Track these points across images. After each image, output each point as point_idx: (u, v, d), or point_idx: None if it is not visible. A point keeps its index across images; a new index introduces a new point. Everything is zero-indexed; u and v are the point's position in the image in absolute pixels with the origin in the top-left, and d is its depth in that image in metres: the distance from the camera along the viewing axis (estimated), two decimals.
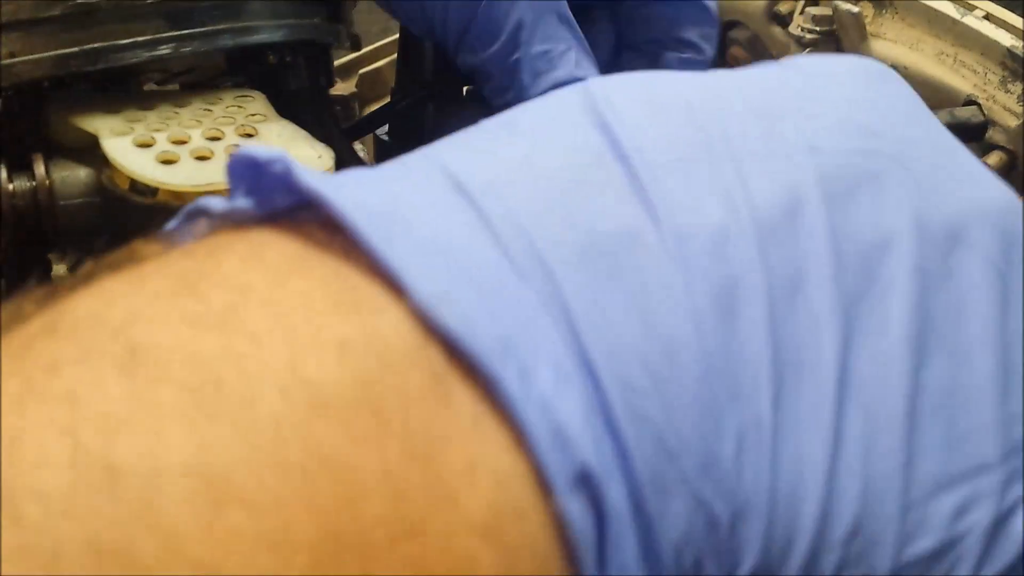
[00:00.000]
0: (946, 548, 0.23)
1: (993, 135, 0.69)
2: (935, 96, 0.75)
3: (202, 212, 0.22)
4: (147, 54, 0.47)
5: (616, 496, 0.19)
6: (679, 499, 0.20)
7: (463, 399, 0.19)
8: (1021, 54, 0.69)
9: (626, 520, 0.20)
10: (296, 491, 0.17)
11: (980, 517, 0.23)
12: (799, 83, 0.25)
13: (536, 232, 0.21)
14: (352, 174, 0.22)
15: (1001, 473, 0.23)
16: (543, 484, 0.19)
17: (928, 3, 0.75)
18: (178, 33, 0.47)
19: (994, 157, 0.69)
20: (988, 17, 0.72)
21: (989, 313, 0.23)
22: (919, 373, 0.23)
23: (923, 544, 0.22)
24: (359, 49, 0.69)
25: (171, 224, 0.23)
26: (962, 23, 0.73)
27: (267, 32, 0.50)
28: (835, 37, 0.78)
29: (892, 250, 0.23)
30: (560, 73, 0.50)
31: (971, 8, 0.73)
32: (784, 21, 0.83)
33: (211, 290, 0.19)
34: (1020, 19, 0.71)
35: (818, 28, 0.78)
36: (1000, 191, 0.25)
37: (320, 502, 0.17)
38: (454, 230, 0.21)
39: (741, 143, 0.23)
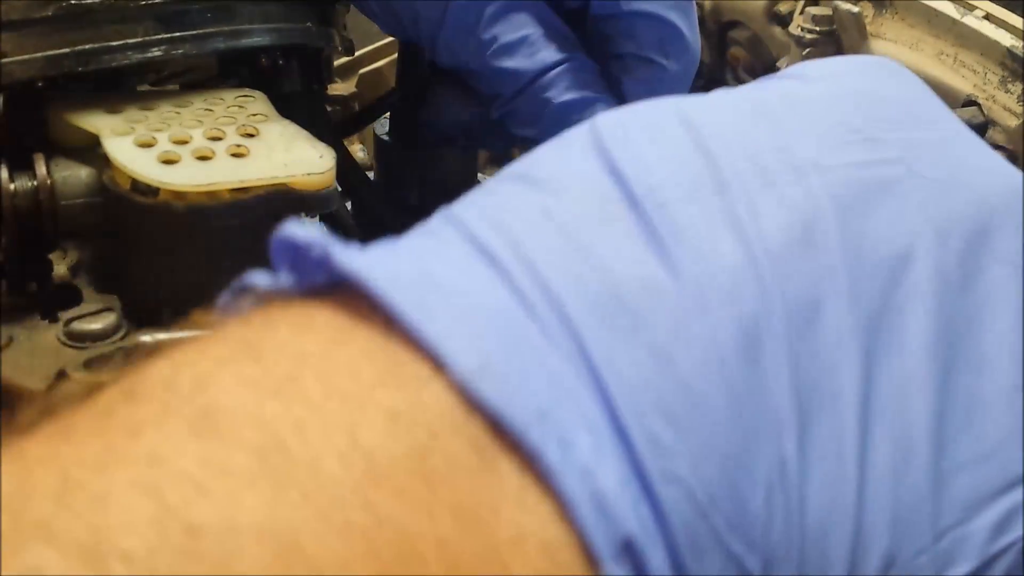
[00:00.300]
0: (985, 569, 0.22)
1: (993, 135, 0.69)
2: None
3: (249, 288, 0.23)
4: (139, 56, 0.47)
5: (658, 561, 0.20)
6: (713, 556, 0.20)
7: (508, 469, 0.20)
8: (1021, 54, 0.69)
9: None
10: (358, 553, 0.18)
11: (1019, 533, 0.22)
12: (803, 95, 0.25)
13: (559, 290, 0.21)
14: (384, 247, 0.23)
15: None
16: (589, 554, 0.19)
17: (928, 3, 0.75)
18: (170, 36, 0.48)
19: None
20: (988, 17, 0.72)
21: (1009, 314, 0.23)
22: (943, 389, 0.22)
23: (961, 568, 0.22)
24: (352, 53, 0.69)
25: (222, 299, 0.24)
26: (962, 23, 0.73)
27: (258, 36, 0.50)
28: (835, 37, 0.78)
29: (910, 261, 0.23)
30: (541, 56, 0.50)
31: (971, 8, 0.73)
32: (784, 21, 0.83)
33: (269, 356, 0.20)
34: (1020, 19, 0.71)
35: (818, 28, 0.78)
36: (1015, 180, 0.25)
37: (380, 565, 0.18)
38: (483, 297, 0.21)
39: (750, 168, 0.23)
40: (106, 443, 0.19)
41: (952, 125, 0.26)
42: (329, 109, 0.85)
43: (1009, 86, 0.70)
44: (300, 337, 0.21)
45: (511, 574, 0.19)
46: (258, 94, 0.50)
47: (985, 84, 0.71)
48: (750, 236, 0.22)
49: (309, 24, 0.53)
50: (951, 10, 0.73)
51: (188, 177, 0.42)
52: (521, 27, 0.51)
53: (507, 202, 0.23)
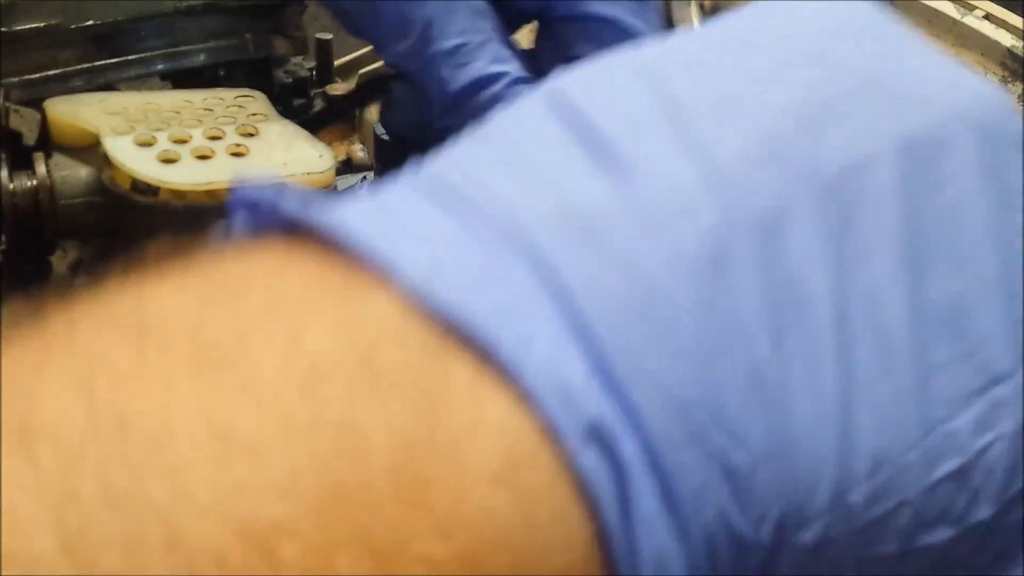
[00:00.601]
0: (973, 463, 0.22)
1: None
2: None
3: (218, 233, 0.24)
4: (84, 84, 0.47)
5: (630, 450, 0.20)
6: (692, 451, 0.20)
7: (461, 364, 0.19)
8: (1021, 54, 0.69)
9: (643, 473, 0.20)
10: (300, 444, 0.18)
11: (1004, 428, 0.22)
12: (763, 24, 0.25)
13: (516, 208, 0.21)
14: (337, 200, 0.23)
15: (1019, 379, 0.23)
16: (554, 438, 0.19)
17: (928, 3, 0.75)
18: (115, 60, 0.47)
19: None
20: (988, 17, 0.72)
21: (984, 216, 0.23)
22: (918, 291, 0.22)
23: (950, 463, 0.22)
24: (305, 52, 0.69)
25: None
26: (962, 23, 0.73)
27: (199, 56, 0.50)
28: None
29: (872, 171, 0.23)
30: (479, 65, 0.49)
31: (971, 8, 0.73)
32: None
33: (215, 274, 0.20)
34: (1020, 19, 0.71)
35: None
36: (980, 88, 0.25)
37: (324, 455, 0.18)
38: (439, 219, 0.21)
39: (704, 92, 0.23)
40: (43, 346, 0.19)
41: (914, 42, 0.26)
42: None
43: (1009, 86, 0.70)
44: (248, 260, 0.21)
45: (468, 456, 0.19)
46: (258, 94, 0.50)
47: None
48: (707, 155, 0.22)
49: (249, 35, 0.53)
50: (951, 10, 0.73)
51: (188, 176, 0.42)
52: (458, 35, 0.50)
53: (459, 151, 0.23)
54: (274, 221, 0.22)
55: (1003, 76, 0.70)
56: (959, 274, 0.23)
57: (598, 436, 0.20)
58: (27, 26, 0.47)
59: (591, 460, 0.19)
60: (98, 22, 0.48)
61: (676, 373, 0.20)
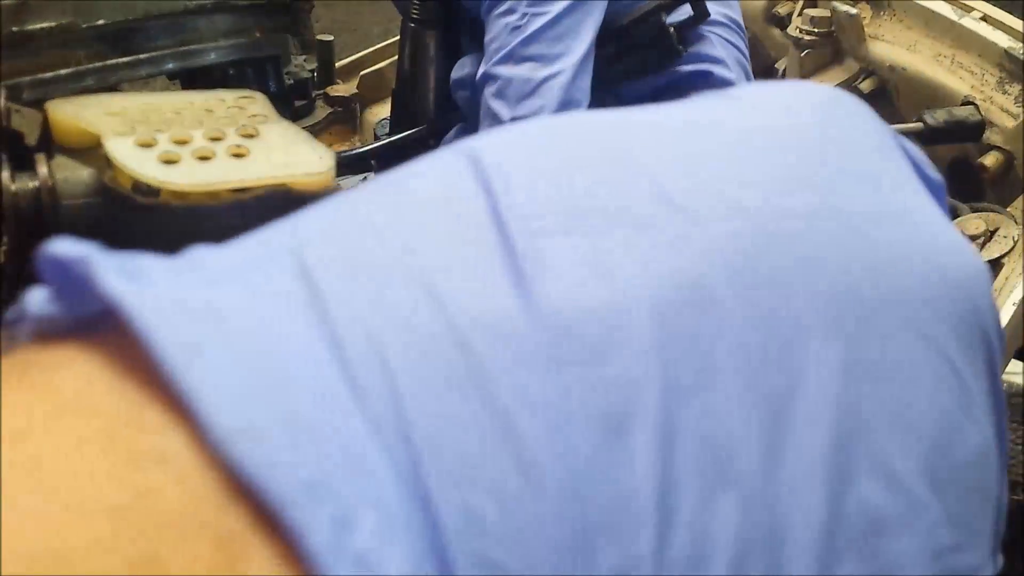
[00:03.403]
0: None
1: (990, 136, 0.70)
2: (933, 97, 0.75)
3: (23, 316, 0.20)
4: (95, 83, 0.47)
5: None
6: None
7: (261, 562, 0.16)
8: (1018, 55, 0.70)
9: None
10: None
11: None
12: (731, 125, 0.22)
13: (382, 331, 0.18)
14: (184, 258, 0.19)
15: None
16: None
17: (926, 5, 0.75)
18: (127, 60, 0.48)
19: (991, 157, 0.70)
20: (985, 19, 0.72)
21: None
22: (840, 498, 0.19)
23: None
24: (313, 51, 0.70)
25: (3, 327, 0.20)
26: (960, 25, 0.73)
27: (209, 54, 0.51)
28: (833, 39, 0.79)
29: (809, 338, 0.20)
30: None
31: (969, 10, 0.73)
32: (783, 23, 0.83)
33: (6, 408, 0.17)
34: (1017, 21, 0.71)
35: (816, 30, 0.78)
36: (940, 259, 0.21)
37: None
38: (282, 337, 0.18)
39: (649, 202, 0.20)
40: None
41: (891, 165, 0.23)
42: (331, 110, 0.86)
43: (1007, 87, 0.70)
44: (27, 402, 0.17)
45: None
46: (258, 95, 0.50)
47: (983, 85, 0.71)
48: (631, 282, 0.19)
49: (259, 34, 0.53)
50: (949, 12, 0.74)
51: (189, 177, 0.42)
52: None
53: (355, 212, 0.20)
54: (84, 296, 0.19)
55: (1000, 77, 0.70)
56: (886, 485, 0.19)
57: None
58: (38, 25, 0.47)
59: None
60: (109, 21, 0.48)
61: (531, 562, 0.17)
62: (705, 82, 0.54)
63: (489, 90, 0.52)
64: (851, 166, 0.22)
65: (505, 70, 0.51)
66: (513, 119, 0.50)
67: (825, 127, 0.23)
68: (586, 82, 0.51)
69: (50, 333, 0.19)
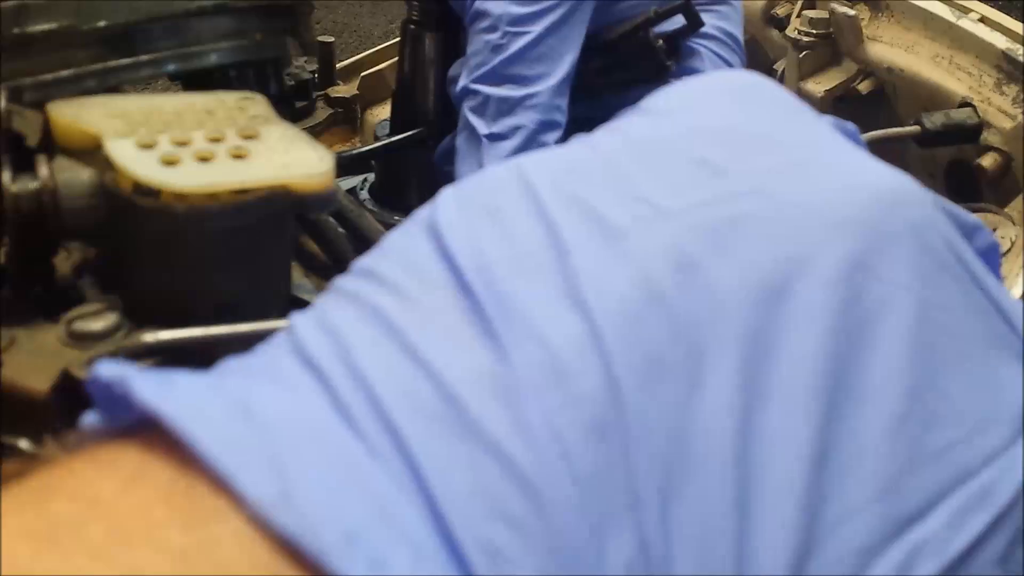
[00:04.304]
0: None
1: (988, 137, 0.70)
2: (931, 98, 0.75)
3: (79, 429, 0.23)
4: (96, 85, 0.47)
5: None
6: None
7: None
8: (1016, 57, 0.70)
9: None
10: None
11: (925, 572, 0.21)
12: (650, 135, 0.24)
13: (387, 401, 0.20)
14: (213, 372, 0.22)
15: (934, 523, 0.21)
16: None
17: (924, 6, 0.75)
18: (127, 62, 0.48)
19: (989, 158, 0.70)
20: (983, 20, 0.72)
21: (894, 338, 0.22)
22: (826, 432, 0.21)
23: None
24: (314, 53, 0.70)
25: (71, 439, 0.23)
26: (958, 26, 0.73)
27: (210, 56, 0.51)
28: (831, 40, 0.79)
29: (781, 298, 0.21)
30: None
31: (966, 11, 0.73)
32: (781, 24, 0.84)
33: (58, 503, 0.19)
34: (1015, 22, 0.72)
35: (815, 31, 0.78)
36: (881, 189, 0.23)
37: None
38: (303, 420, 0.20)
39: (591, 227, 0.22)
40: None
41: (811, 141, 0.24)
42: (331, 111, 0.86)
43: (1004, 88, 0.70)
44: (97, 479, 0.20)
45: None
46: (259, 96, 0.50)
47: (980, 87, 0.71)
48: (589, 304, 0.21)
49: (260, 36, 0.54)
50: (947, 13, 0.74)
51: (189, 178, 0.42)
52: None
53: (346, 306, 0.23)
54: (126, 411, 0.21)
55: (998, 79, 0.70)
56: (865, 410, 0.21)
57: None
58: (39, 28, 0.47)
59: None
60: (110, 23, 0.48)
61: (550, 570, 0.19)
62: None
63: (468, 104, 0.53)
64: (764, 145, 0.24)
65: (485, 88, 0.52)
66: (489, 135, 0.52)
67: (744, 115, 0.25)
68: (564, 102, 0.52)
69: (103, 436, 0.22)
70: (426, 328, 0.22)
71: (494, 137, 0.53)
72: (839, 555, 0.20)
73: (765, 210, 0.22)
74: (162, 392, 0.20)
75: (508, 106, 0.52)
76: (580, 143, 0.25)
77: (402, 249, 0.24)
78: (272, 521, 0.19)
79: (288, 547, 0.19)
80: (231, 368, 0.23)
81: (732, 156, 0.23)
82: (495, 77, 0.52)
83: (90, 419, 0.23)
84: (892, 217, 0.22)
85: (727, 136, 0.24)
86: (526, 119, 0.51)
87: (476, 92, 0.53)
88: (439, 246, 0.23)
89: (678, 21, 0.54)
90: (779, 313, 0.21)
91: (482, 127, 0.52)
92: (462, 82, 0.54)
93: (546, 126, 0.52)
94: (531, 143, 0.52)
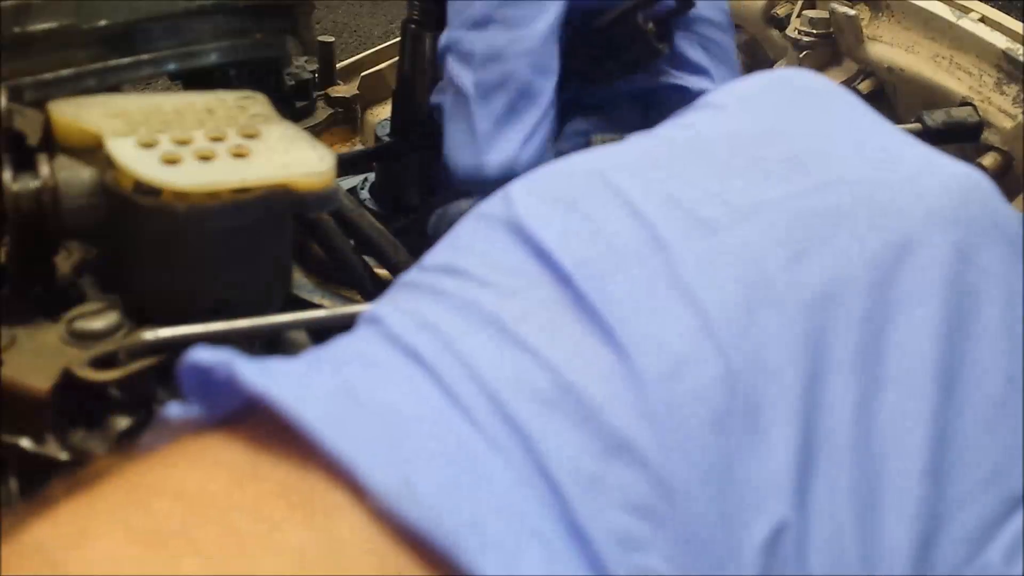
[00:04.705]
0: None
1: (988, 136, 0.70)
2: (931, 98, 0.75)
3: (163, 420, 0.22)
4: (96, 85, 0.47)
5: None
6: None
7: None
8: (1016, 56, 0.70)
9: None
10: None
11: None
12: (720, 130, 0.24)
13: (499, 389, 0.20)
14: (301, 359, 0.21)
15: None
16: None
17: (924, 6, 0.75)
18: (128, 61, 0.48)
19: (989, 158, 0.70)
20: (984, 20, 0.72)
21: (997, 319, 0.22)
22: (944, 412, 0.21)
23: None
24: (314, 52, 0.70)
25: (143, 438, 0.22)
26: (958, 26, 0.73)
27: (210, 55, 0.51)
28: (832, 40, 0.79)
29: (891, 283, 0.22)
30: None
31: (967, 11, 0.73)
32: (781, 24, 0.84)
33: (161, 502, 0.18)
34: (1015, 22, 0.72)
35: (815, 31, 0.78)
36: (953, 180, 0.23)
37: None
38: (411, 408, 0.19)
39: (685, 220, 0.22)
40: None
41: (882, 135, 0.25)
42: (332, 111, 0.86)
43: (1005, 88, 0.70)
44: (200, 477, 0.19)
45: None
46: (259, 96, 0.50)
47: (981, 86, 0.71)
48: (699, 296, 0.21)
49: (260, 35, 0.54)
50: (947, 13, 0.74)
51: (190, 177, 0.42)
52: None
53: (435, 299, 0.22)
54: (227, 399, 0.20)
55: (998, 78, 0.70)
56: (977, 389, 0.21)
57: None
58: (39, 27, 0.47)
59: None
60: (110, 22, 0.48)
61: (686, 562, 0.19)
62: (681, 97, 0.53)
63: (452, 57, 0.48)
64: (834, 138, 0.24)
65: (469, 35, 0.47)
66: (478, 84, 0.47)
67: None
68: (555, 50, 0.48)
69: (198, 427, 0.21)
70: (529, 321, 0.21)
71: (483, 88, 0.47)
72: (959, 538, 0.21)
73: (859, 199, 0.22)
74: (267, 377, 0.19)
75: (495, 51, 0.47)
76: (647, 137, 0.25)
77: (482, 244, 0.23)
78: (397, 513, 0.18)
79: (413, 542, 0.18)
80: (320, 357, 0.21)
81: (810, 151, 0.23)
82: (480, 22, 0.47)
83: (175, 410, 0.21)
84: (985, 209, 0.23)
85: (800, 131, 0.24)
86: (517, 64, 0.46)
87: (459, 41, 0.48)
88: (526, 241, 0.22)
89: (668, 3, 0.53)
90: (890, 297, 0.21)
91: (468, 77, 0.47)
92: (443, 39, 0.49)
93: (539, 71, 0.47)
94: (525, 96, 0.47)
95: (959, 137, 0.69)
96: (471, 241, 0.23)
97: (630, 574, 0.18)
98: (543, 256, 0.22)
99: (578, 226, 0.22)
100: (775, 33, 0.85)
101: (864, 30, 0.78)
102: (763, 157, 0.23)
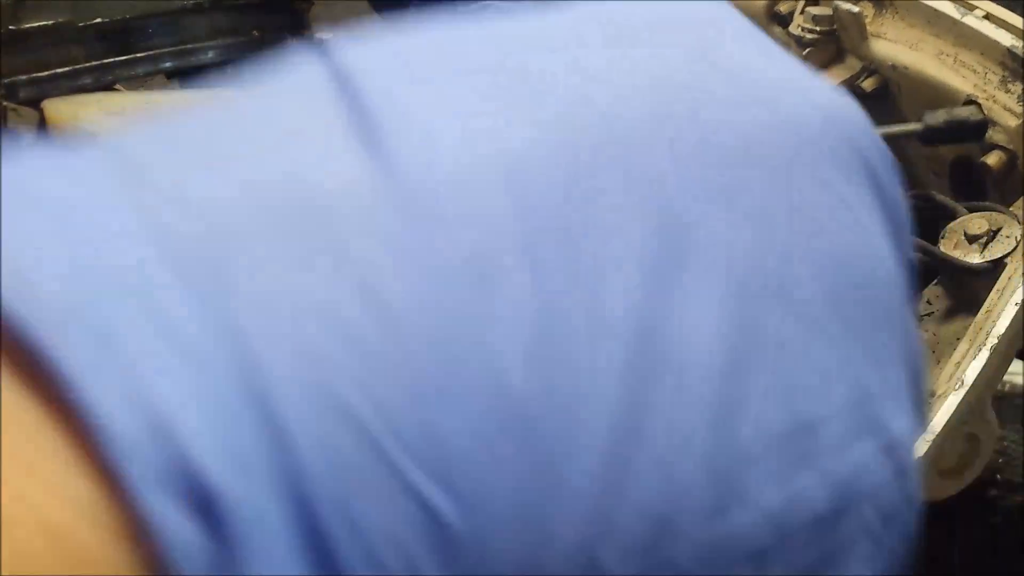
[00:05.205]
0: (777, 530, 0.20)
1: (993, 135, 0.69)
2: (935, 95, 0.75)
3: None
4: (93, 82, 0.47)
5: (256, 508, 0.15)
6: (376, 489, 0.16)
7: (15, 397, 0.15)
8: (1021, 54, 0.69)
9: (276, 534, 0.16)
10: None
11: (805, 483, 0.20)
12: (596, 17, 0.24)
13: (215, 200, 0.17)
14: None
15: (835, 427, 0.20)
16: (118, 486, 0.15)
17: (928, 3, 0.75)
18: (124, 58, 0.47)
19: (994, 157, 0.70)
20: (988, 17, 0.72)
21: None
22: (744, 329, 0.19)
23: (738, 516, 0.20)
24: None
25: None
26: (962, 23, 0.73)
27: (207, 53, 0.50)
28: (835, 37, 0.78)
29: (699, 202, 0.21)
30: None
31: (971, 8, 0.73)
32: (784, 21, 0.83)
33: None
34: (1020, 19, 0.71)
35: (818, 28, 0.78)
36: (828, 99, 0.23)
37: None
38: (91, 212, 0.17)
39: (507, 60, 0.21)
40: None
41: (749, 49, 0.25)
42: None
43: (1009, 86, 0.69)
44: None
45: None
46: None
47: (985, 84, 0.71)
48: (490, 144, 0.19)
49: (257, 34, 0.53)
50: (951, 10, 0.73)
51: None
52: None
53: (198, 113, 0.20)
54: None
55: (1003, 76, 0.70)
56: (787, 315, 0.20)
57: (194, 483, 0.15)
58: (35, 24, 0.47)
59: (172, 518, 0.15)
60: (107, 20, 0.48)
61: (385, 397, 0.16)
62: None
63: None
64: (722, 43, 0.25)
65: None
66: None
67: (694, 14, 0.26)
68: None
69: None
70: (299, 130, 0.18)
71: None
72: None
73: (705, 99, 0.23)
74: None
75: None
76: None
77: (284, 65, 0.20)
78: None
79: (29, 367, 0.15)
80: (28, 154, 0.19)
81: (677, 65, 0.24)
82: None
83: None
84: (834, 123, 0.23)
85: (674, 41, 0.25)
86: None
87: None
88: (329, 63, 0.20)
89: None
90: (685, 217, 0.21)
91: None
92: None
93: None
94: None
95: (962, 136, 0.69)
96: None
97: (305, 391, 0.15)
98: (338, 76, 0.19)
99: (382, 51, 0.20)
100: (778, 30, 0.85)
101: (868, 27, 0.77)
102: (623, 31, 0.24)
